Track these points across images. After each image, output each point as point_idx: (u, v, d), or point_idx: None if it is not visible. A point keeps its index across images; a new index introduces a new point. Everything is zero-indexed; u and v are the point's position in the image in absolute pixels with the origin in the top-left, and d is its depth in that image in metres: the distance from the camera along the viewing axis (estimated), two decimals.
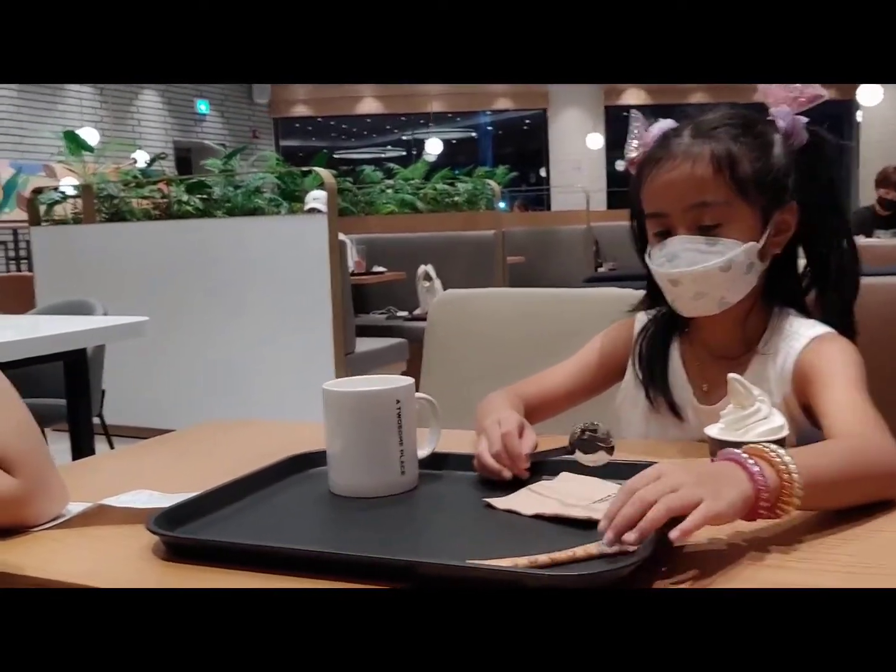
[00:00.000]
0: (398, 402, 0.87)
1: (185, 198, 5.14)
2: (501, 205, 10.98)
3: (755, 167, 1.01)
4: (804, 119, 1.05)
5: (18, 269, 7.95)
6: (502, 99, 13.61)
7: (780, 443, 0.87)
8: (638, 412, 1.16)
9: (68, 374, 2.60)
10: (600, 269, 7.73)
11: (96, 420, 3.14)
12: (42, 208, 5.02)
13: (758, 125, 1.04)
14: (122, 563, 0.74)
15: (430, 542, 0.77)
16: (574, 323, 1.67)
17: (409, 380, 0.90)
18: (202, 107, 11.47)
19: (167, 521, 0.76)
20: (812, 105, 1.04)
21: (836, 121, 14.46)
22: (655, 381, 1.12)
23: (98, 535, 0.80)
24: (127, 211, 4.86)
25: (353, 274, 5.24)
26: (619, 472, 0.88)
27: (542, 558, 0.67)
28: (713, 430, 0.91)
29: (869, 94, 10.38)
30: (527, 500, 0.82)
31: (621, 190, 13.05)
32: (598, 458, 0.86)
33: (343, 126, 15.18)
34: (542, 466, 0.91)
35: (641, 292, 1.29)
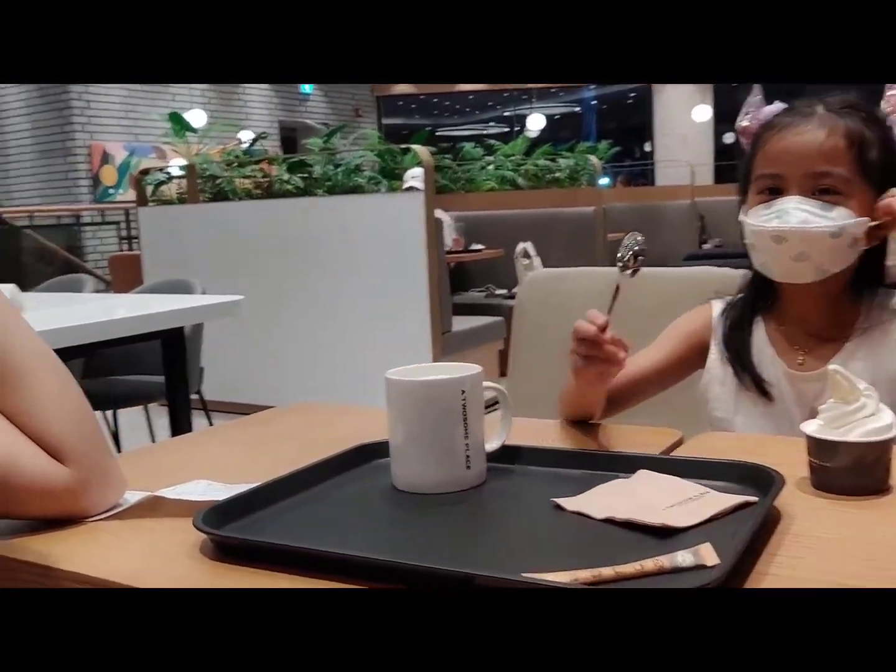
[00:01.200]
0: (463, 391, 0.81)
1: (286, 177, 5.19)
2: (605, 180, 10.78)
3: (880, 154, 1.03)
4: None
5: (130, 248, 8.22)
6: None
7: (890, 443, 0.78)
8: (726, 390, 1.15)
9: (166, 352, 2.66)
10: (705, 246, 7.48)
11: (196, 396, 3.21)
12: (149, 189, 5.15)
13: (881, 118, 1.07)
14: (169, 562, 0.71)
15: (492, 548, 0.71)
16: (668, 303, 1.58)
17: (477, 367, 0.84)
18: (306, 87, 11.60)
19: (217, 516, 0.73)
20: None
21: None
22: (742, 359, 1.12)
23: (149, 528, 0.78)
24: (229, 190, 4.94)
25: (450, 252, 5.21)
26: (701, 471, 0.81)
27: (607, 572, 0.61)
28: (810, 427, 0.82)
29: None
30: (598, 502, 0.76)
31: (729, 164, 12.61)
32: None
33: (446, 103, 15.13)
34: (619, 463, 0.85)
35: (740, 271, 1.24)
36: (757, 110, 1.10)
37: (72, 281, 3.69)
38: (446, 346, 4.11)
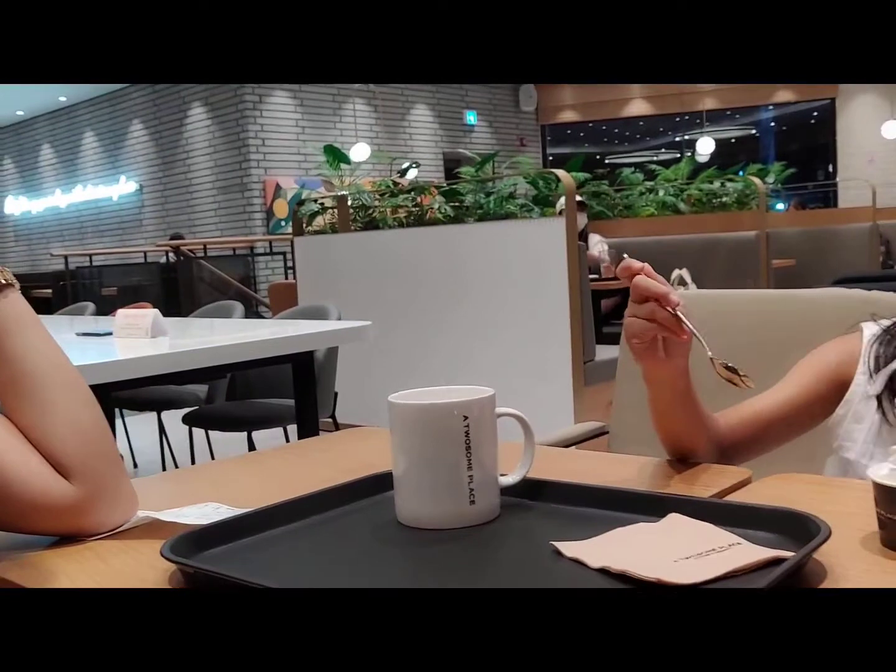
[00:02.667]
0: (465, 417, 0.74)
1: (436, 205, 5.23)
2: (781, 205, 10.25)
3: None
4: None
5: (295, 277, 8.56)
6: (784, 91, 12.69)
7: None
8: (864, 429, 0.98)
9: (295, 375, 2.71)
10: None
11: (329, 420, 3.26)
12: (304, 220, 5.33)
13: None
14: (131, 586, 0.68)
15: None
16: (804, 328, 1.43)
17: (488, 391, 0.77)
18: (470, 118, 11.75)
19: (191, 543, 0.69)
20: None
21: None
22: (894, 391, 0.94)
23: (136, 549, 0.75)
24: (380, 220, 5.03)
25: (600, 279, 5.08)
26: (738, 517, 0.70)
27: None
28: (881, 472, 0.69)
29: None
30: (601, 548, 0.67)
31: None
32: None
33: (615, 130, 14.92)
34: (647, 504, 0.75)
35: (889, 294, 1.10)
36: None
37: (224, 307, 3.86)
38: (588, 375, 3.98)
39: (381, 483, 0.84)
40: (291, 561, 0.70)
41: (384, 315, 4.27)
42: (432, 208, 5.32)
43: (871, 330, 1.02)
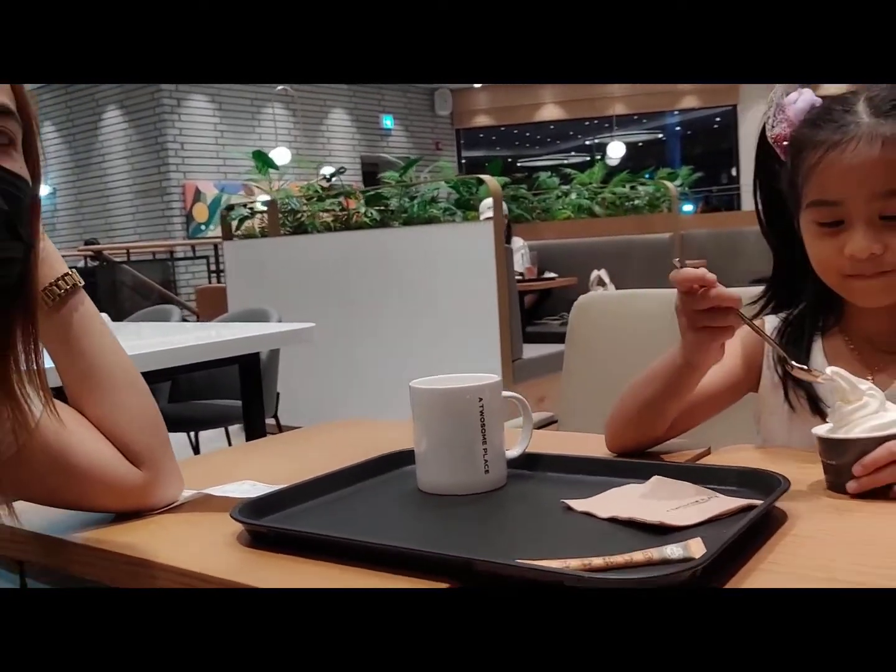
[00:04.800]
0: (481, 399, 0.87)
1: (363, 210, 5.33)
2: (689, 207, 10.65)
3: None
4: None
5: (219, 281, 8.54)
6: (689, 97, 13.19)
7: (892, 438, 0.80)
8: (776, 419, 1.07)
9: (243, 377, 2.78)
10: None
11: (272, 420, 3.34)
12: (233, 224, 5.36)
13: None
14: (207, 548, 0.78)
15: (496, 541, 0.76)
16: None
17: (495, 378, 0.90)
18: (387, 122, 11.87)
19: (251, 510, 0.80)
20: None
21: None
22: (797, 377, 1.00)
23: (197, 521, 0.86)
24: (309, 224, 5.10)
25: (522, 280, 5.25)
26: (712, 477, 0.84)
27: (597, 561, 0.65)
28: (821, 430, 0.86)
29: None
30: (606, 503, 0.80)
31: None
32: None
33: (526, 134, 15.24)
34: (635, 470, 0.89)
35: None
36: (783, 110, 1.00)
37: (161, 311, 3.89)
38: (517, 373, 4.14)
39: (399, 459, 0.96)
40: (337, 522, 0.81)
41: (316, 317, 4.33)
42: (358, 212, 5.42)
43: (772, 323, 1.10)
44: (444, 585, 0.65)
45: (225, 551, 0.77)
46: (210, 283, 8.64)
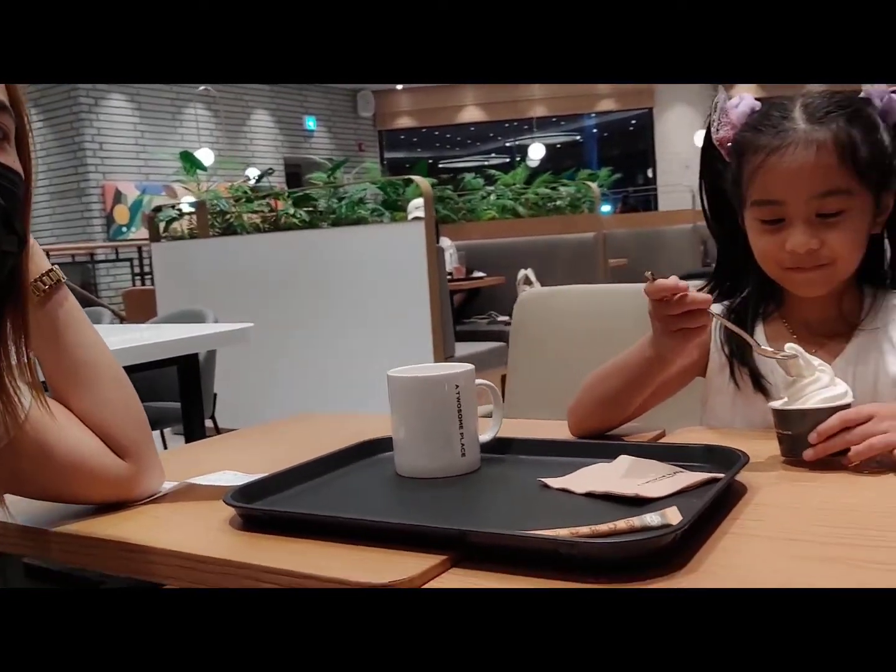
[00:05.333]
0: (457, 386, 0.91)
1: (291, 211, 5.32)
2: (607, 208, 10.89)
3: (871, 150, 1.01)
4: None
5: (143, 283, 8.38)
6: (606, 100, 13.48)
7: (844, 409, 0.89)
8: (722, 399, 1.14)
9: (182, 378, 2.76)
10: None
11: (210, 423, 3.32)
12: (161, 225, 5.28)
13: (862, 106, 1.03)
14: (202, 533, 0.81)
15: (483, 516, 0.81)
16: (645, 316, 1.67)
17: (469, 366, 0.94)
18: (310, 123, 11.81)
19: (242, 496, 0.83)
20: None
21: None
22: (742, 357, 1.10)
23: (185, 509, 0.88)
24: (238, 225, 5.07)
25: (452, 280, 5.31)
26: (675, 454, 0.90)
27: (584, 529, 0.70)
28: (777, 404, 0.94)
29: None
30: (580, 480, 0.85)
31: None
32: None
33: (447, 136, 15.34)
34: (602, 450, 0.94)
35: None
36: (727, 114, 1.08)
37: (91, 314, 3.82)
38: None
39: (375, 447, 1.00)
40: (327, 504, 0.85)
41: (247, 319, 4.31)
42: (287, 214, 5.40)
43: (717, 310, 1.14)
44: (441, 558, 0.69)
45: (220, 535, 0.79)
46: (135, 285, 8.46)
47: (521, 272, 5.51)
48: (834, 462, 0.88)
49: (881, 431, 0.85)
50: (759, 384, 1.09)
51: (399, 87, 12.78)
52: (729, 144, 1.10)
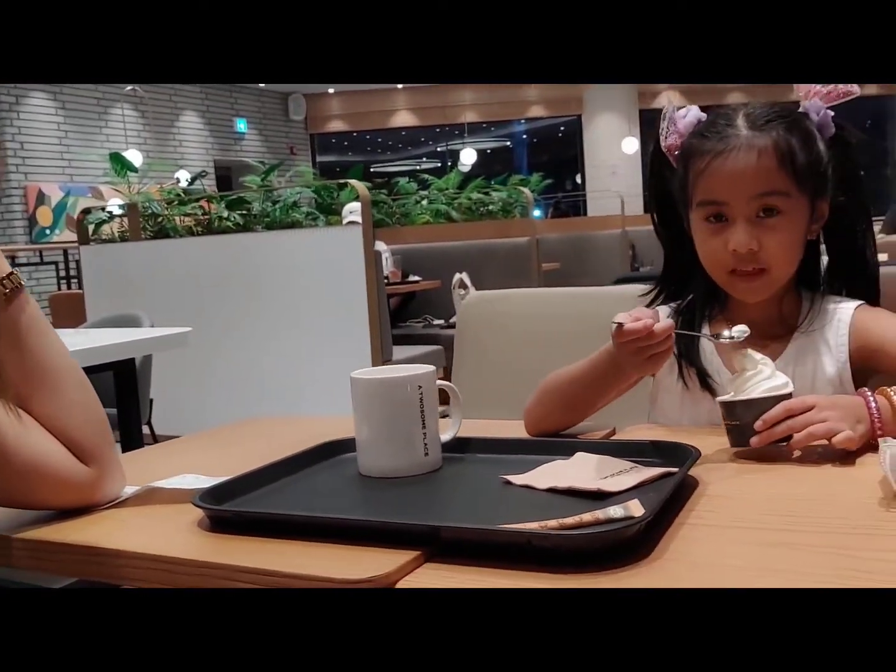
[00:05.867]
0: (420, 387, 0.93)
1: (225, 214, 5.26)
2: (536, 212, 11.03)
3: (808, 158, 1.07)
4: (832, 113, 1.11)
5: (69, 287, 8.17)
6: (536, 107, 13.65)
7: (786, 398, 0.95)
8: (671, 397, 1.19)
9: (118, 384, 2.71)
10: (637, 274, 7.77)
11: (147, 429, 3.26)
12: (90, 228, 5.18)
13: (800, 118, 1.10)
14: (172, 535, 0.81)
15: (451, 512, 0.83)
16: (602, 320, 1.72)
17: (431, 368, 0.96)
18: (240, 125, 11.68)
19: (210, 497, 0.84)
20: (843, 100, 1.10)
21: (878, 118, 14.29)
22: (690, 357, 1.15)
23: (151, 513, 0.88)
24: (170, 228, 4.99)
25: (388, 283, 5.32)
26: (630, 450, 0.94)
27: (552, 523, 0.73)
28: (724, 398, 0.99)
29: None
30: (542, 476, 0.88)
31: None
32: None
33: (378, 140, 15.33)
34: (559, 448, 0.97)
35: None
36: (674, 121, 1.14)
37: None
38: None
39: (336, 448, 1.01)
40: (295, 504, 0.86)
41: (183, 323, 4.25)
42: (221, 217, 5.35)
43: (664, 311, 1.22)
44: (414, 553, 0.71)
45: (190, 536, 0.80)
46: (60, 289, 8.25)
47: (457, 276, 5.55)
48: (778, 456, 0.93)
49: (821, 420, 0.91)
50: (706, 383, 1.14)
51: (331, 90, 12.73)
52: (676, 152, 1.15)
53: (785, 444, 0.93)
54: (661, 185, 1.19)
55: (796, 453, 0.94)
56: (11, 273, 0.86)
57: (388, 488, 0.91)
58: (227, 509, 0.81)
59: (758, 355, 0.98)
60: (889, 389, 0.94)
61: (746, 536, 0.73)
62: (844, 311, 1.12)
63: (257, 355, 4.40)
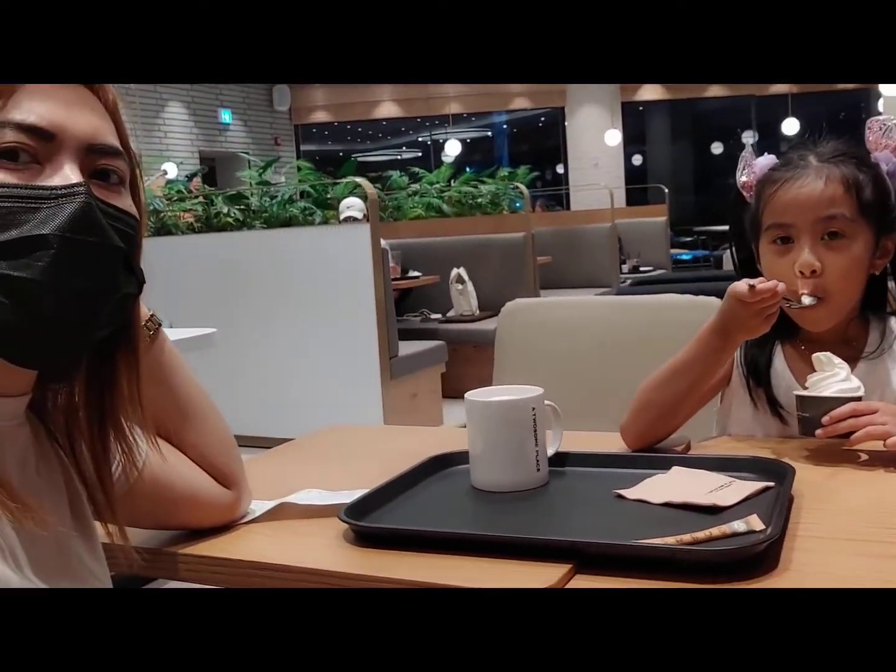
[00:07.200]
0: (534, 409, 1.00)
1: (225, 210, 5.29)
2: (518, 204, 11.09)
3: (874, 192, 1.16)
4: None
5: None
6: (519, 99, 13.71)
7: (855, 400, 1.06)
8: (746, 410, 1.27)
9: None
10: (624, 266, 7.87)
11: None
12: None
13: (871, 162, 1.18)
14: (322, 549, 0.88)
15: (583, 527, 0.90)
16: (639, 330, 1.80)
17: (540, 390, 1.03)
18: (225, 116, 11.64)
19: (354, 513, 0.90)
20: None
21: (854, 110, 14.49)
22: (760, 383, 1.24)
23: (294, 528, 0.95)
24: (172, 224, 5.01)
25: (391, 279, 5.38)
26: (725, 465, 1.02)
27: (686, 537, 0.81)
28: (801, 392, 1.11)
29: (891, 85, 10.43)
30: (653, 490, 0.96)
31: (638, 187, 13.15)
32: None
33: (359, 129, 15.32)
34: (656, 462, 1.05)
35: (712, 299, 1.44)
36: (751, 165, 1.24)
37: None
38: (394, 370, 4.27)
39: (445, 462, 1.09)
40: (425, 520, 0.93)
41: (187, 321, 4.28)
42: (221, 213, 5.37)
43: None
44: (567, 566, 0.78)
45: (340, 550, 0.87)
46: None
47: (454, 271, 5.62)
48: (848, 460, 1.05)
49: (881, 423, 1.02)
50: (776, 411, 1.22)
51: None
52: (751, 187, 1.25)
53: (846, 439, 1.04)
54: (738, 224, 1.27)
55: (862, 455, 1.05)
56: (152, 315, 0.90)
57: (508, 502, 0.98)
58: (381, 527, 0.88)
59: (836, 359, 1.09)
60: None
61: (854, 548, 0.81)
62: None
63: (263, 352, 4.44)
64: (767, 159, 1.24)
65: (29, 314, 0.63)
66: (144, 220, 0.78)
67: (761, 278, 1.10)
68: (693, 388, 1.17)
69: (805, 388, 1.11)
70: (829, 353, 1.10)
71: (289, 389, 4.42)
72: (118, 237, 0.68)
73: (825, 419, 1.05)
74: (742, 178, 1.25)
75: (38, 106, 0.67)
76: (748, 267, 1.27)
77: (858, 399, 1.07)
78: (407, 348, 4.57)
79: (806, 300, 1.14)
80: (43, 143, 0.66)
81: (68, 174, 0.66)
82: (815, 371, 1.11)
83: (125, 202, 0.71)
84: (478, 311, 5.55)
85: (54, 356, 0.67)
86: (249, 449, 4.34)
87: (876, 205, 1.16)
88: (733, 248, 1.31)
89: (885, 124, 1.20)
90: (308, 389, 4.37)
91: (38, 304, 0.63)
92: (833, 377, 1.09)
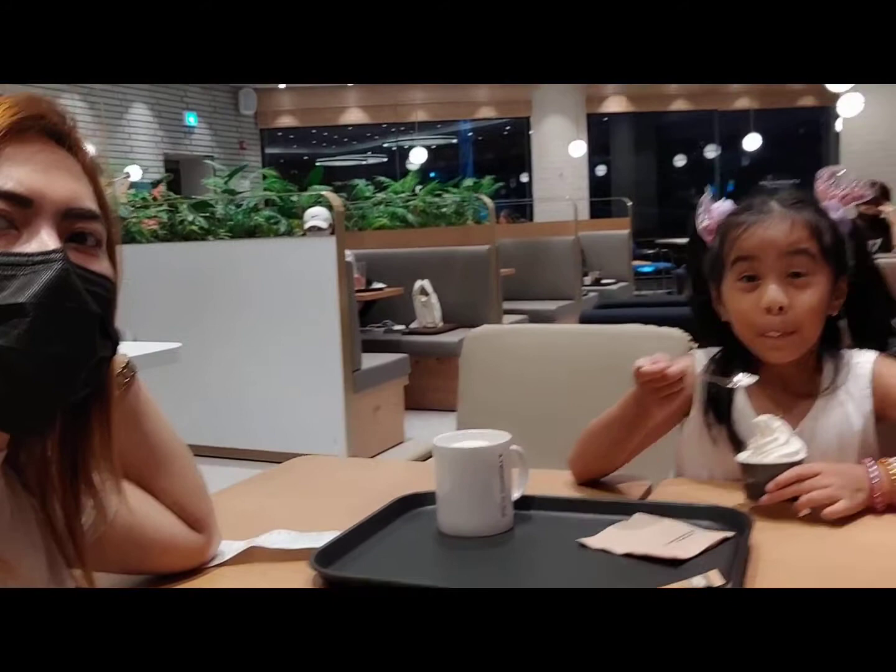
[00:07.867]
0: (500, 455, 1.02)
1: (190, 217, 5.25)
2: (483, 214, 11.14)
3: (832, 238, 1.22)
4: (853, 213, 1.26)
5: None
6: (486, 108, 13.78)
7: (797, 464, 1.08)
8: (702, 451, 1.30)
9: None
10: (586, 279, 7.94)
11: None
12: None
13: (823, 209, 1.24)
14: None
15: (544, 580, 0.92)
16: (601, 359, 1.83)
17: (507, 435, 1.05)
18: (191, 119, 11.55)
19: (322, 558, 0.92)
20: (854, 203, 1.25)
21: (814, 126, 14.76)
22: (720, 418, 1.27)
23: (265, 572, 0.97)
24: (136, 232, 4.97)
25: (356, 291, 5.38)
26: (686, 513, 1.04)
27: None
28: (742, 457, 1.12)
29: (849, 105, 10.68)
30: (615, 540, 0.98)
31: (602, 200, 13.29)
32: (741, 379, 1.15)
33: (324, 134, 15.29)
34: (618, 508, 1.07)
35: (676, 330, 1.48)
36: (709, 210, 1.29)
37: None
38: (357, 383, 4.27)
39: (411, 502, 1.11)
40: (397, 568, 0.94)
41: (150, 334, 4.24)
42: (186, 220, 5.33)
43: (701, 356, 1.33)
44: None
45: None
46: None
47: (418, 283, 5.63)
48: (810, 521, 1.06)
49: (825, 485, 1.05)
50: (738, 449, 1.21)
51: (282, 85, 12.66)
52: (711, 230, 1.29)
53: (791, 503, 1.06)
54: (696, 265, 1.31)
55: (804, 511, 1.06)
56: (128, 362, 0.90)
57: (474, 549, 1.00)
58: (350, 577, 0.89)
59: (776, 422, 1.11)
60: (889, 460, 1.08)
61: None
62: (863, 366, 1.25)
63: (226, 363, 4.42)
64: (725, 205, 1.28)
65: (5, 380, 0.64)
66: (121, 277, 0.77)
67: (651, 358, 1.13)
68: (626, 441, 1.23)
69: (749, 450, 1.12)
70: (768, 417, 1.12)
71: (251, 401, 4.40)
72: (94, 302, 0.68)
73: (769, 486, 1.07)
74: (704, 221, 1.29)
75: (16, 171, 0.67)
76: (705, 309, 1.31)
77: (800, 462, 1.08)
78: (370, 361, 4.57)
79: (744, 381, 1.16)
80: (20, 209, 0.66)
81: (45, 240, 0.66)
82: (758, 433, 1.12)
83: (102, 265, 0.71)
84: (441, 323, 5.56)
85: (30, 419, 0.68)
86: (210, 459, 4.29)
87: (833, 248, 1.22)
88: (692, 291, 1.34)
89: (834, 175, 1.25)
90: (271, 402, 4.35)
91: (15, 371, 0.64)
92: (773, 442, 1.10)
